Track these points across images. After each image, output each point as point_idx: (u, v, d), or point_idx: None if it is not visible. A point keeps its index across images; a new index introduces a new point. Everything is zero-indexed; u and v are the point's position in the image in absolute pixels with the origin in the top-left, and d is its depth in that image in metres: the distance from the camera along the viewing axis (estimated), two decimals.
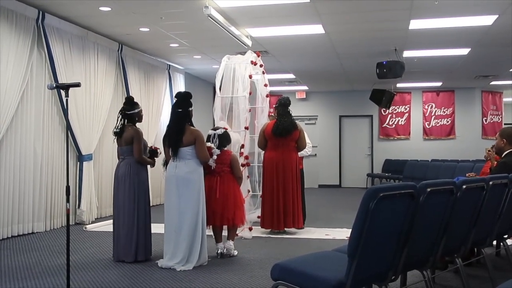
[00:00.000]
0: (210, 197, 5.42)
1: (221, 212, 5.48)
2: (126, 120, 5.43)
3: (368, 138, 15.77)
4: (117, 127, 5.43)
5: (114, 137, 5.50)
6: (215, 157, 5.46)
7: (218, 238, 5.63)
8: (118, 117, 5.47)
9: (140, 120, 5.55)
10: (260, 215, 7.12)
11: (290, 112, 7.10)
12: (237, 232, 6.10)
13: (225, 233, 5.73)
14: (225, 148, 5.68)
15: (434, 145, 15.28)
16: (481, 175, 6.50)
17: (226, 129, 5.82)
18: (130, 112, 5.44)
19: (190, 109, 5.23)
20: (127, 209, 5.28)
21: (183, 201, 5.05)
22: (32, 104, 6.93)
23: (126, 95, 8.95)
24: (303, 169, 7.77)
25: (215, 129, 5.73)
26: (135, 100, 5.60)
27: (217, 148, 5.55)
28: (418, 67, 11.34)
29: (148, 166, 5.66)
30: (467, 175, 6.49)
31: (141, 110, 5.56)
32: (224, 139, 5.63)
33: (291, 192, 6.94)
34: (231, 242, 5.63)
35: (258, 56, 7.65)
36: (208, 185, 5.46)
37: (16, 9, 6.53)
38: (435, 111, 15.37)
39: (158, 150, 5.68)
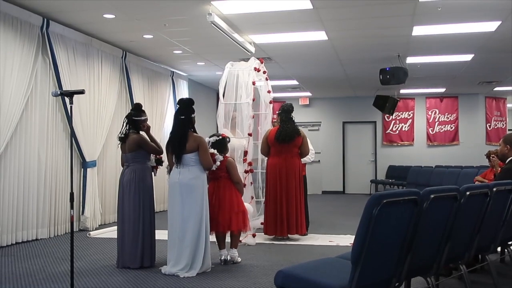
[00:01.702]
0: (209, 203, 5.41)
1: (216, 218, 5.43)
2: (131, 126, 5.45)
3: (372, 144, 15.76)
4: (122, 132, 5.46)
5: (118, 142, 5.53)
6: (218, 163, 5.45)
7: (221, 244, 5.62)
8: (123, 122, 5.50)
9: (143, 129, 5.56)
10: (263, 221, 7.12)
11: (293, 119, 7.11)
12: (240, 239, 6.08)
13: (228, 239, 5.72)
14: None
15: (437, 151, 15.25)
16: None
17: (224, 136, 5.76)
18: (137, 118, 5.47)
19: (192, 115, 5.24)
20: (132, 216, 5.29)
21: (187, 207, 5.06)
22: (37, 110, 6.95)
23: (130, 102, 9.01)
24: (306, 175, 7.76)
25: (210, 136, 5.70)
26: (143, 108, 5.63)
27: None
28: (422, 73, 11.34)
29: (152, 174, 5.64)
30: (474, 181, 6.50)
31: (146, 119, 5.59)
32: (219, 146, 5.57)
33: (294, 198, 6.93)
34: (234, 250, 5.62)
35: (262, 63, 7.67)
36: (208, 192, 5.47)
37: (21, 17, 6.57)
38: (439, 117, 15.35)
39: (162, 159, 5.68)
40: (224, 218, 5.46)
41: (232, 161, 5.80)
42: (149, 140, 5.48)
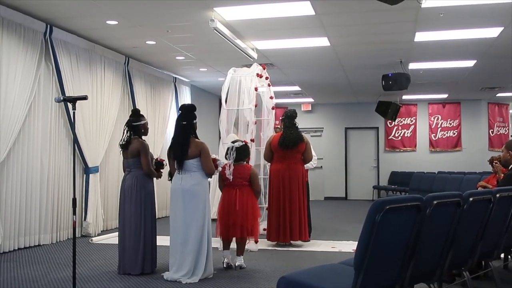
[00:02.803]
0: (229, 210, 5.45)
1: (241, 224, 5.49)
2: (132, 133, 5.46)
3: (374, 150, 15.74)
4: (124, 139, 5.46)
5: (120, 149, 5.53)
6: (220, 168, 5.45)
7: (226, 246, 5.65)
8: (124, 130, 5.51)
9: (146, 132, 5.58)
10: (266, 227, 7.11)
11: (296, 125, 7.11)
12: None
13: (233, 245, 5.72)
14: (244, 162, 5.71)
15: (440, 157, 15.22)
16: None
17: (247, 142, 5.82)
18: (136, 123, 5.47)
19: (194, 121, 5.26)
20: (133, 222, 5.28)
21: (189, 213, 5.06)
22: (39, 116, 6.97)
23: (132, 108, 9.01)
24: (308, 181, 7.75)
25: (233, 142, 5.73)
26: (141, 113, 5.64)
27: (234, 162, 5.55)
28: (424, 79, 11.34)
29: (154, 178, 5.67)
30: (477, 187, 6.48)
31: (146, 123, 5.60)
32: (242, 152, 5.64)
33: (297, 204, 6.92)
34: (241, 258, 5.63)
35: (264, 69, 7.69)
36: (227, 198, 5.52)
37: (24, 23, 6.60)
38: (441, 123, 15.33)
39: (164, 162, 5.69)
40: (248, 223, 5.53)
41: (256, 171, 5.89)
42: (149, 153, 5.46)
